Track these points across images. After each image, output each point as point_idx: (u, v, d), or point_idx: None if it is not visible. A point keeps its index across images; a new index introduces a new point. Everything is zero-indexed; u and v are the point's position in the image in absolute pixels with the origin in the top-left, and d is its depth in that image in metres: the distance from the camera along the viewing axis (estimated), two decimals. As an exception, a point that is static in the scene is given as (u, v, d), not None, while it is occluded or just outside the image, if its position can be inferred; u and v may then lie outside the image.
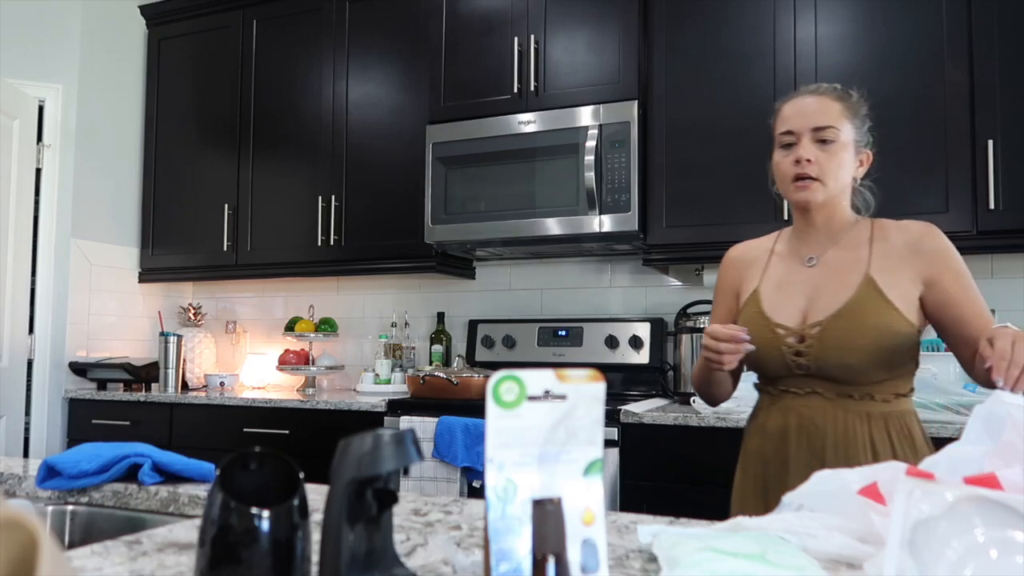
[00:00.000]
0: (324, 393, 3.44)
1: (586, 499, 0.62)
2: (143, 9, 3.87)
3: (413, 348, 3.53)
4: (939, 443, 0.88)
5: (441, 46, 3.13)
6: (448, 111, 3.08)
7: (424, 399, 2.82)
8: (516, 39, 2.99)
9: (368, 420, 2.87)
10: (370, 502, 0.66)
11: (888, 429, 1.43)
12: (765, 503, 1.45)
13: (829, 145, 1.48)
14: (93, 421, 3.41)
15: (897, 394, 1.46)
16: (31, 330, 3.46)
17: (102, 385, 3.54)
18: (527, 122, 2.92)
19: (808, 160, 1.47)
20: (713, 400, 1.69)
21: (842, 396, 1.44)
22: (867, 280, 1.46)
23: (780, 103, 1.59)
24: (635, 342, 3.05)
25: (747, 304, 1.58)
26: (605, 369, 2.92)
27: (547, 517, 0.56)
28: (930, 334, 2.51)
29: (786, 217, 2.60)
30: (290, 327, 3.59)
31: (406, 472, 2.61)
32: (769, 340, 1.50)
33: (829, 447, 1.43)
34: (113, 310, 3.74)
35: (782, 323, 1.51)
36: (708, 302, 2.82)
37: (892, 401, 1.45)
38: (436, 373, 2.84)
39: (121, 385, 3.53)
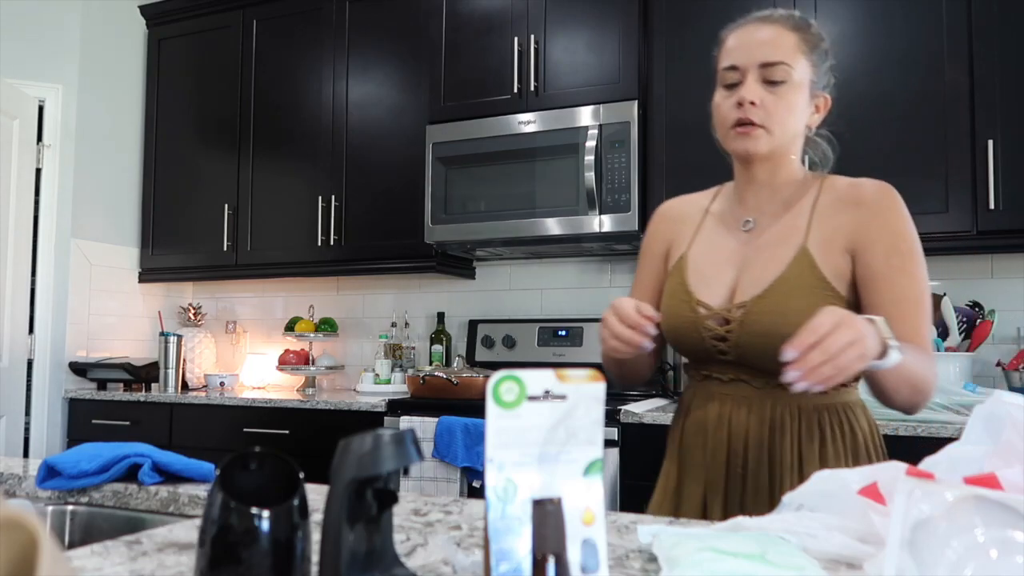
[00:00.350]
0: (324, 393, 3.44)
1: (586, 499, 0.62)
2: (143, 9, 3.87)
3: (413, 348, 3.53)
4: (939, 443, 0.88)
5: (441, 46, 3.13)
6: (448, 111, 3.08)
7: (424, 399, 2.82)
8: (516, 39, 2.99)
9: (368, 420, 2.87)
10: (370, 502, 0.66)
11: (823, 425, 1.22)
12: (676, 505, 1.29)
13: (779, 86, 1.24)
14: (93, 421, 3.41)
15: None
16: (31, 330, 3.46)
17: (102, 385, 3.54)
18: (527, 122, 2.92)
19: (752, 103, 1.23)
20: (625, 381, 1.43)
21: (771, 386, 1.22)
22: (801, 253, 1.24)
23: (725, 31, 1.34)
24: (635, 342, 3.04)
25: (672, 272, 1.37)
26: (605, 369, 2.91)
27: (547, 517, 0.56)
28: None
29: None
30: (290, 327, 3.59)
31: (406, 472, 2.61)
32: (689, 321, 1.29)
33: (753, 446, 1.23)
34: (113, 310, 3.74)
35: (705, 301, 1.29)
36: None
37: (830, 392, 1.22)
38: (436, 373, 2.84)
39: (121, 385, 3.53)
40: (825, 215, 1.27)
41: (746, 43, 1.27)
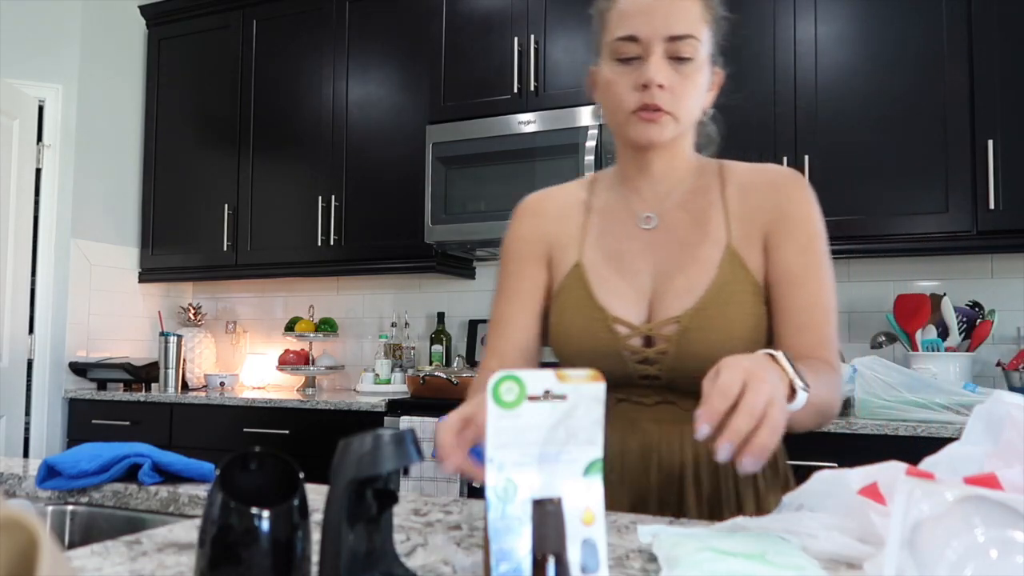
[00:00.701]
0: (324, 393, 3.44)
1: (586, 499, 0.62)
2: (143, 9, 3.87)
3: (413, 348, 3.53)
4: (939, 443, 0.88)
5: (441, 46, 3.13)
6: (448, 111, 3.08)
7: (424, 399, 2.82)
8: (516, 39, 2.99)
9: (368, 420, 2.87)
10: (370, 502, 0.66)
11: None
12: None
13: (686, 63, 1.06)
14: (93, 421, 3.41)
15: None
16: (31, 330, 3.46)
17: (102, 385, 3.54)
18: (527, 122, 2.92)
19: (660, 85, 1.04)
20: None
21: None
22: (730, 254, 1.09)
23: None
24: (635, 342, 3.05)
25: (568, 284, 1.14)
26: (605, 369, 2.91)
27: (547, 517, 0.56)
28: (930, 334, 2.52)
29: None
30: (290, 327, 3.59)
31: (406, 472, 2.61)
32: (606, 343, 1.09)
33: (689, 479, 1.05)
34: (113, 310, 3.74)
35: (622, 316, 1.09)
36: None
37: None
38: (436, 373, 2.84)
39: (121, 385, 3.53)
40: (737, 206, 1.12)
41: (648, 8, 1.07)
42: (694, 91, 1.08)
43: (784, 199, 1.10)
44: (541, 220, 1.22)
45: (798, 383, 0.85)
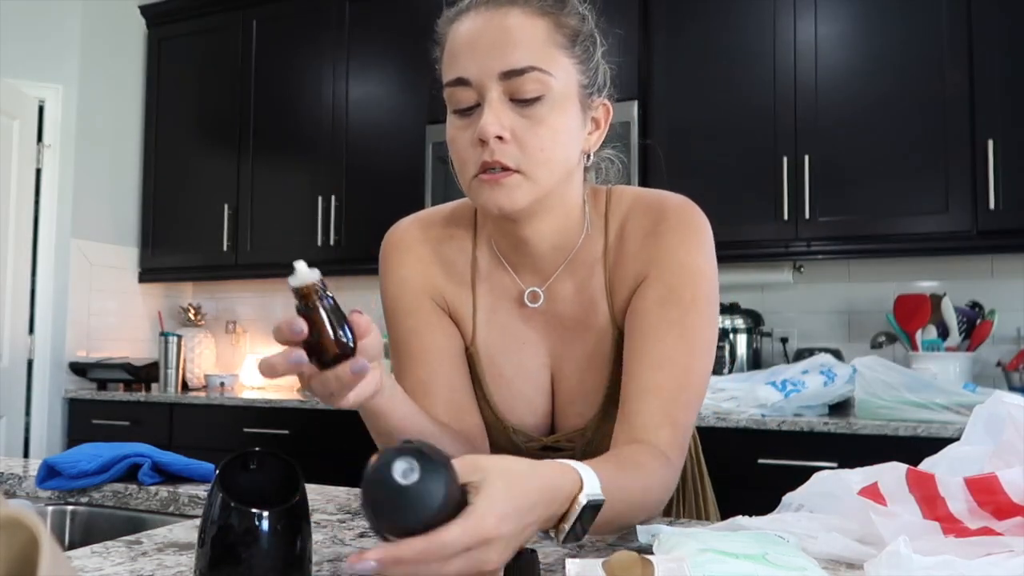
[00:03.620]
0: (324, 393, 3.44)
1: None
2: (143, 9, 3.87)
3: (413, 348, 3.52)
4: (939, 443, 0.88)
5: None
6: (448, 111, 3.08)
7: (424, 399, 2.82)
8: (516, 39, 2.99)
9: (368, 420, 2.86)
10: None
11: None
12: None
13: (532, 106, 0.84)
14: (93, 421, 3.41)
15: None
16: (31, 330, 3.46)
17: (102, 385, 3.54)
18: (527, 122, 2.92)
19: (499, 137, 0.83)
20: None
21: None
22: (619, 338, 0.93)
23: (447, 18, 0.96)
24: (635, 342, 3.04)
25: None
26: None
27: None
28: (930, 334, 2.52)
29: (786, 217, 2.60)
30: (290, 327, 3.59)
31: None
32: (504, 445, 0.98)
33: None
34: (113, 310, 3.74)
35: (521, 428, 0.97)
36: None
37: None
38: (436, 373, 2.83)
39: (121, 385, 3.53)
40: (615, 266, 0.93)
41: (475, 41, 0.87)
42: (551, 138, 0.84)
43: (654, 244, 0.91)
44: (429, 269, 0.99)
45: (565, 527, 0.65)
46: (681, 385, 0.87)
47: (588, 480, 0.65)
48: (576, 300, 0.94)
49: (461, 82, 0.87)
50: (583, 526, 0.65)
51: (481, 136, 0.83)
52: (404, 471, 0.52)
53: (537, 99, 0.84)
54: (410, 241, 1.01)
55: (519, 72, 0.83)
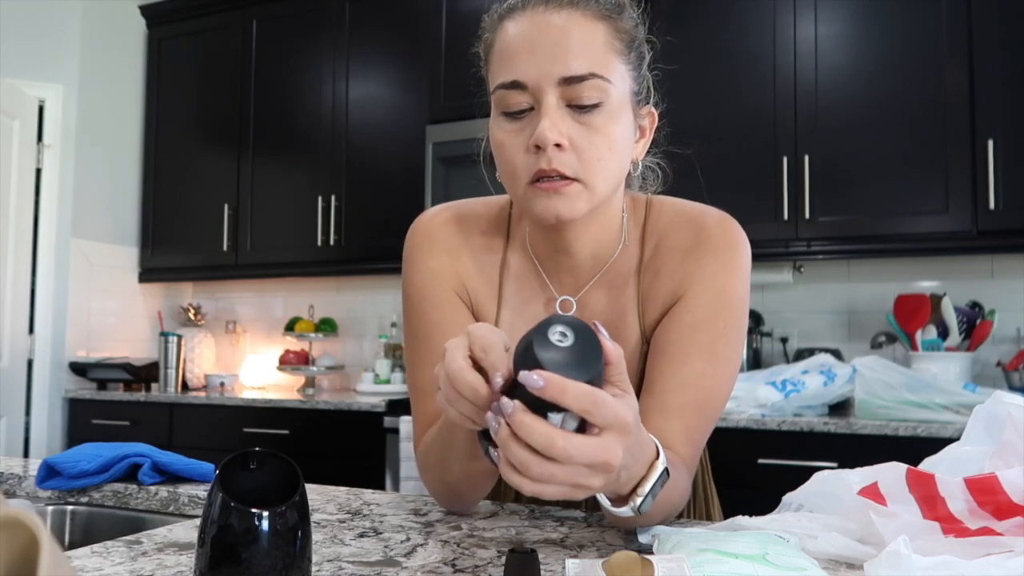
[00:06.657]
0: (324, 393, 3.44)
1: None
2: (143, 9, 3.87)
3: (413, 348, 3.53)
4: (939, 443, 0.88)
5: (441, 46, 3.13)
6: (448, 111, 3.08)
7: (424, 399, 2.82)
8: (516, 39, 2.99)
9: (368, 420, 2.87)
10: None
11: None
12: None
13: (591, 113, 0.82)
14: (93, 421, 3.41)
15: None
16: (31, 330, 3.46)
17: (102, 385, 3.54)
18: (527, 122, 2.92)
19: (558, 145, 0.81)
20: (462, 504, 0.94)
21: None
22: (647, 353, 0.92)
23: (493, 15, 0.88)
24: (635, 342, 3.04)
25: None
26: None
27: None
28: (930, 334, 2.52)
29: (786, 217, 2.60)
30: (290, 327, 3.59)
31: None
32: None
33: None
34: (113, 310, 3.74)
35: None
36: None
37: None
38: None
39: (121, 385, 3.53)
40: (655, 279, 0.92)
41: (532, 42, 0.82)
42: (607, 147, 0.83)
43: (695, 265, 0.90)
44: (456, 262, 0.97)
45: (637, 503, 0.69)
46: (702, 409, 0.87)
47: (662, 451, 0.70)
48: (607, 311, 0.93)
49: (516, 85, 0.83)
50: (653, 496, 0.69)
51: (539, 143, 0.81)
52: (562, 335, 0.60)
53: (596, 106, 0.82)
54: (441, 232, 0.98)
55: (579, 79, 0.81)
